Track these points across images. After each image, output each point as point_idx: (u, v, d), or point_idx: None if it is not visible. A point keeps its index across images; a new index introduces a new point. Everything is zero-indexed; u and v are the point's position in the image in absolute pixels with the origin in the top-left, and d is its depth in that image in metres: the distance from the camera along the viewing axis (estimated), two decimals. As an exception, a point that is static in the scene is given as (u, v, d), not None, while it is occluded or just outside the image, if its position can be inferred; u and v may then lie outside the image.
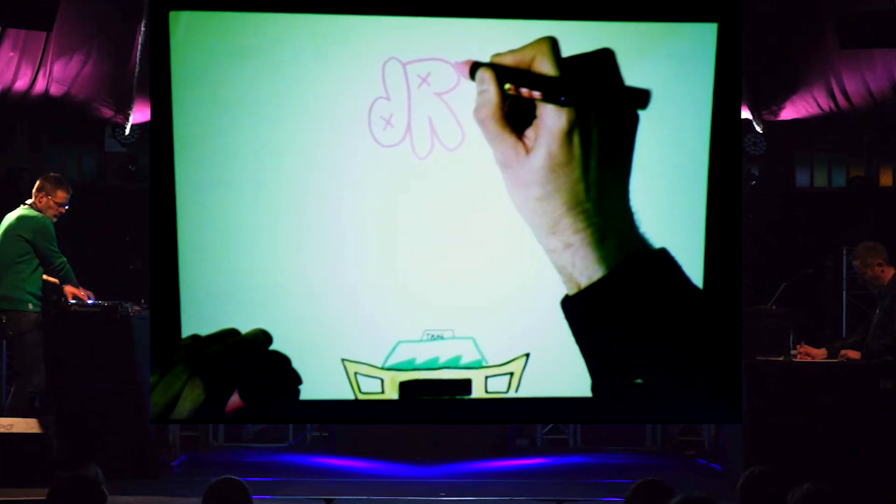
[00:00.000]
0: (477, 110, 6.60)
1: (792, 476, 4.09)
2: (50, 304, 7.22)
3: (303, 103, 6.78)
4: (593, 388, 6.93)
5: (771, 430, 6.86)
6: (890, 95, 9.14)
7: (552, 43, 6.58)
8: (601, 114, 6.66)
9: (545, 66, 6.55)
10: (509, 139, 6.55)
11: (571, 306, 6.77)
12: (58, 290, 7.28)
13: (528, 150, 6.55)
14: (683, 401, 7.12)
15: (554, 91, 6.52)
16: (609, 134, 6.69)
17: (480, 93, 6.57)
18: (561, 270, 6.72)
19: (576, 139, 6.54)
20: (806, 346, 7.07)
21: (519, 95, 6.51)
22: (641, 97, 6.78)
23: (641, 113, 6.84)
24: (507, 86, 6.51)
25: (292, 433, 9.07)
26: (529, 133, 6.55)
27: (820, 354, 7.01)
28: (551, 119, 6.52)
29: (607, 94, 6.76)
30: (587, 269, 6.68)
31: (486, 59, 6.75)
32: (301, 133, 6.78)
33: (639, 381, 6.97)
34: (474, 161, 6.78)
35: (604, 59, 6.74)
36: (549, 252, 6.70)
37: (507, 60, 6.60)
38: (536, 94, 6.50)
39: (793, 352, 7.11)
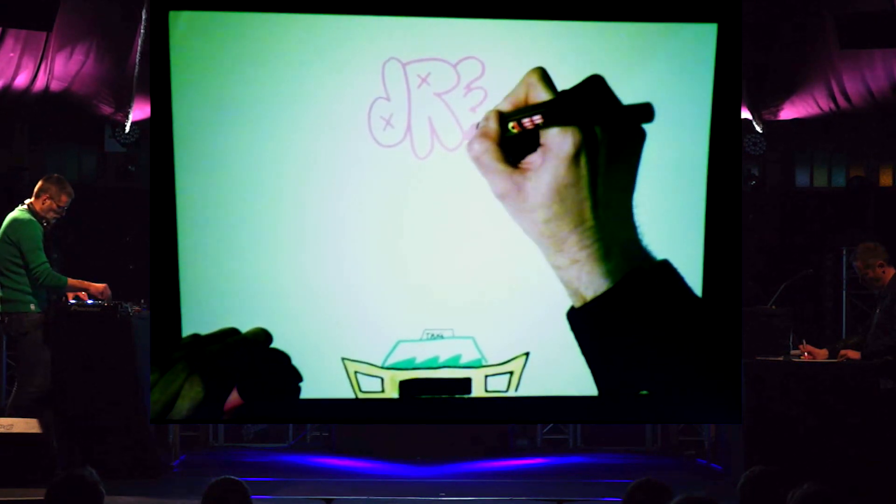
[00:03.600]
0: (470, 146, 6.64)
1: (792, 476, 4.09)
2: (50, 304, 7.21)
3: (303, 103, 6.78)
4: (599, 398, 6.96)
5: (771, 430, 6.86)
6: (890, 95, 9.14)
7: (541, 72, 6.64)
8: (608, 132, 6.68)
9: (540, 95, 6.61)
10: (504, 171, 6.59)
11: (577, 318, 6.80)
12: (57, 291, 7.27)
13: (528, 178, 6.58)
14: (684, 401, 7.13)
15: (554, 111, 6.55)
16: (616, 152, 6.72)
17: (480, 128, 6.62)
18: (567, 285, 6.76)
19: (583, 161, 6.59)
20: (808, 345, 7.08)
21: (523, 129, 6.54)
22: (645, 111, 6.78)
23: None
24: (511, 124, 6.55)
25: (292, 433, 9.08)
26: (533, 159, 6.59)
27: (822, 354, 7.01)
28: (556, 144, 6.56)
29: (609, 115, 6.77)
30: (593, 284, 6.73)
31: (485, 59, 6.82)
32: (301, 133, 6.79)
33: (644, 392, 6.99)
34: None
35: (595, 86, 6.76)
36: (555, 268, 6.74)
37: (505, 106, 6.65)
38: (538, 118, 6.52)
39: (795, 351, 7.11)
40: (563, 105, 6.60)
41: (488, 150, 6.59)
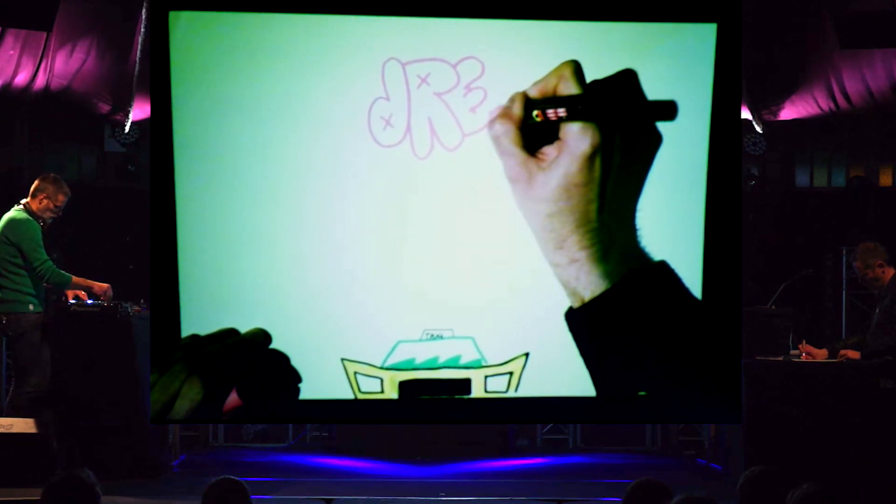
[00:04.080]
0: (491, 125, 6.66)
1: (792, 476, 4.09)
2: (50, 304, 7.21)
3: (303, 103, 6.78)
4: (599, 398, 6.97)
5: (771, 430, 6.86)
6: (890, 95, 9.13)
7: (575, 66, 6.65)
8: (626, 136, 6.69)
9: (570, 88, 6.62)
10: (520, 156, 6.62)
11: (575, 318, 6.81)
12: (58, 290, 7.27)
13: (541, 168, 6.60)
14: (684, 401, 7.13)
15: (578, 107, 6.56)
16: (631, 157, 6.75)
17: (504, 108, 6.63)
18: (565, 284, 6.77)
19: (597, 162, 6.61)
20: (808, 345, 7.08)
21: (546, 120, 6.56)
22: (668, 109, 6.80)
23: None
24: (536, 112, 6.57)
25: (292, 433, 9.07)
26: (549, 151, 6.61)
27: (821, 354, 7.01)
28: (575, 142, 6.59)
29: (633, 112, 6.78)
30: (591, 284, 6.75)
31: (485, 59, 6.82)
32: (301, 133, 6.79)
33: (642, 392, 7.00)
34: (474, 161, 6.80)
35: (626, 80, 6.77)
36: (553, 266, 6.76)
37: (533, 92, 6.66)
38: (562, 111, 6.54)
39: (794, 351, 7.11)
40: (589, 102, 6.61)
41: (508, 133, 6.63)
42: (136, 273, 9.23)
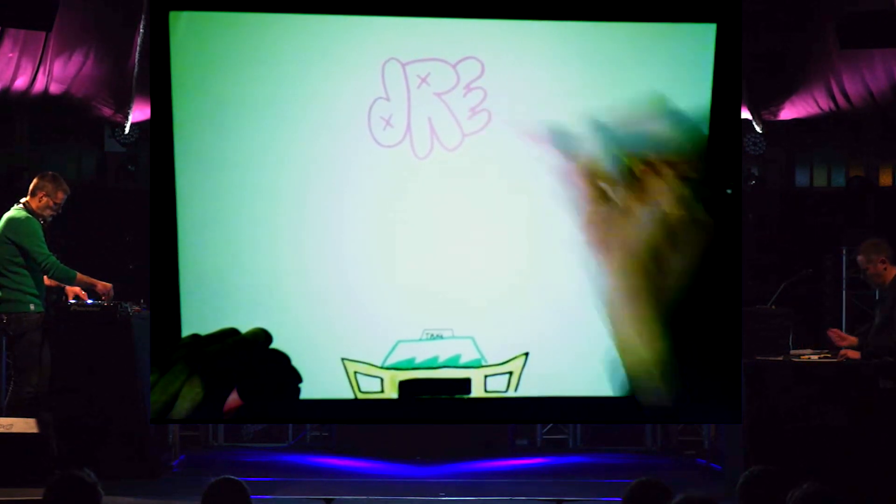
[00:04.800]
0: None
1: (792, 476, 4.09)
2: (50, 303, 7.21)
3: (303, 103, 6.78)
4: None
5: (770, 429, 6.86)
6: (890, 95, 9.13)
7: None
8: None
9: None
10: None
11: None
12: (58, 290, 7.27)
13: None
14: (684, 401, 7.13)
15: None
16: None
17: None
18: None
19: None
20: (836, 330, 7.13)
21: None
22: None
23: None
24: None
25: (292, 433, 9.08)
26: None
27: (851, 340, 7.03)
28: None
29: None
30: None
31: (485, 59, 6.81)
32: (301, 133, 6.79)
33: None
34: (474, 161, 6.81)
35: None
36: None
37: None
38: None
39: (804, 351, 7.13)
40: None
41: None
42: (136, 273, 9.24)
